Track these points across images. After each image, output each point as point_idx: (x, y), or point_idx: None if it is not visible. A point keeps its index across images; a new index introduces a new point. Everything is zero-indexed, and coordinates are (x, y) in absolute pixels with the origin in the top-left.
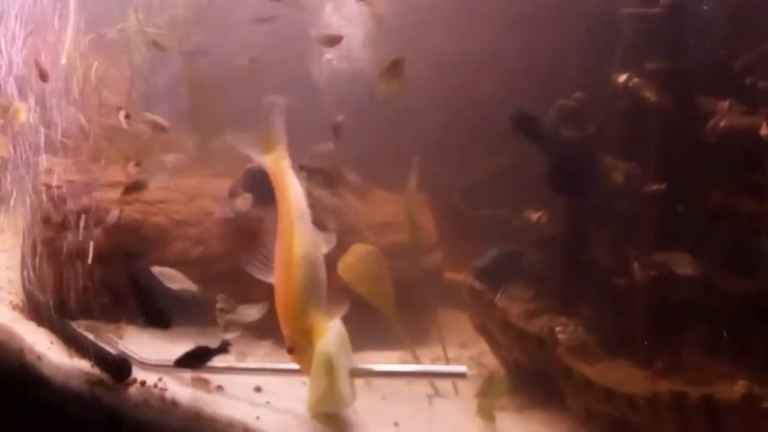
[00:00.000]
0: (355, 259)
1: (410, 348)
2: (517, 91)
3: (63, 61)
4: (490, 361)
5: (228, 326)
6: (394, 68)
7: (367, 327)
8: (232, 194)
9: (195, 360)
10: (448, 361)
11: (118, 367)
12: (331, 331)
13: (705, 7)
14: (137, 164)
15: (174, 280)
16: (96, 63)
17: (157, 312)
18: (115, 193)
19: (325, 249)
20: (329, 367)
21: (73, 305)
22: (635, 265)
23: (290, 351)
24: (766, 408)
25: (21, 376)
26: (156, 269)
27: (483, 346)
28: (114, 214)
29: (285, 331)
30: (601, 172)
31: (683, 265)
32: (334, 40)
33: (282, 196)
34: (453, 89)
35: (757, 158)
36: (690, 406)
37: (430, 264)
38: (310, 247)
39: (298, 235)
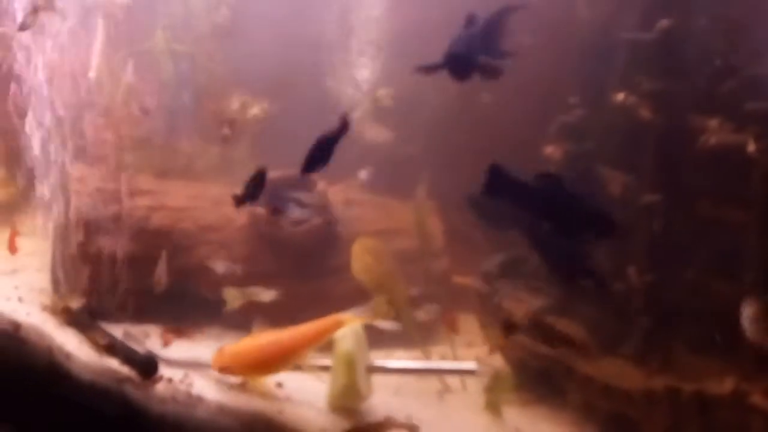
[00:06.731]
0: (365, 254)
1: (420, 346)
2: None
3: (91, 74)
4: (496, 359)
5: None
6: None
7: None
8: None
9: None
10: (456, 360)
11: (146, 365)
12: (348, 331)
13: (695, 33)
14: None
15: None
16: (124, 77)
17: None
18: (144, 200)
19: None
20: (349, 364)
21: (103, 306)
22: (631, 269)
23: (223, 371)
24: (753, 402)
25: (50, 373)
26: None
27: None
28: None
29: (235, 366)
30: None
31: None
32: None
33: (323, 324)
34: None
35: (744, 172)
36: (683, 400)
37: (438, 268)
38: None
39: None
